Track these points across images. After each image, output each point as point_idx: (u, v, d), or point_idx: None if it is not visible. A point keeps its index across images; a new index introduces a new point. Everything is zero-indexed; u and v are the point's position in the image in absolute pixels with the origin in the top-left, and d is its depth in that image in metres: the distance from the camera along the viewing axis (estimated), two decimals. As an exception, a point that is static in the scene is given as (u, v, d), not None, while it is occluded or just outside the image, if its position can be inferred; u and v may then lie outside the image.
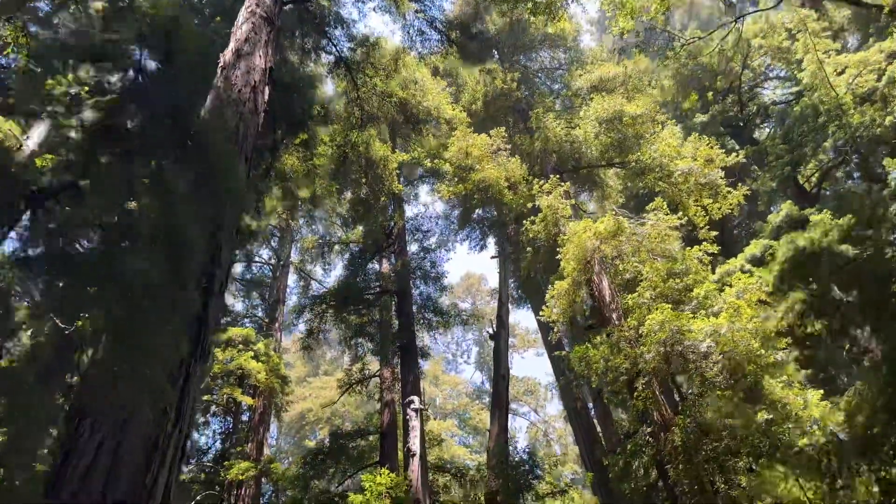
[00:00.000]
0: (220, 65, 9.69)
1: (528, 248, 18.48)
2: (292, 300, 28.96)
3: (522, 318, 74.11)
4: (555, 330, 15.53)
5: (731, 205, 17.34)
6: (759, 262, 18.42)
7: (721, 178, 17.33)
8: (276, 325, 26.01)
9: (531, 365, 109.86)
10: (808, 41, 19.70)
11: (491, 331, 20.67)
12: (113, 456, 4.48)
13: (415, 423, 14.60)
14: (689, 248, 14.82)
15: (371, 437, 18.73)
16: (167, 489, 4.77)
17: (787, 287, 15.62)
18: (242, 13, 10.90)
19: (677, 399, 13.55)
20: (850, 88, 19.25)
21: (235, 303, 28.61)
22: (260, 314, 27.55)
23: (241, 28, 10.54)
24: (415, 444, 14.14)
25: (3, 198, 4.76)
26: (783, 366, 11.33)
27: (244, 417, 22.80)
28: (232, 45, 10.07)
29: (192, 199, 5.40)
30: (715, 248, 15.08)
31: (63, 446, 4.67)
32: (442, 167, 19.65)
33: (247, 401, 20.58)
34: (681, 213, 15.80)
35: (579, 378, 15.83)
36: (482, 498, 15.15)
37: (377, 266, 20.83)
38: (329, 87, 19.59)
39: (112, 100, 4.67)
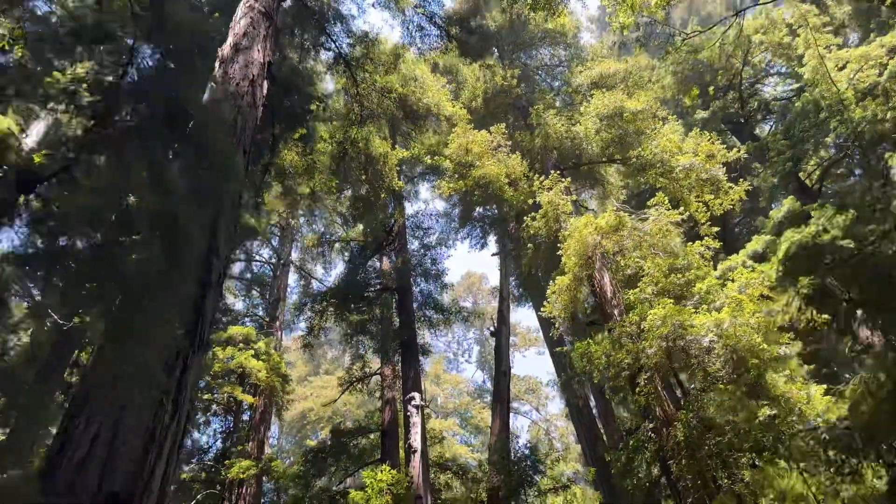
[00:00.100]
0: (218, 59, 9.67)
1: (529, 245, 18.41)
2: (293, 299, 28.92)
3: (523, 317, 74.19)
4: (556, 326, 15.46)
5: (732, 200, 17.27)
6: (760, 258, 18.36)
7: (722, 173, 17.26)
8: (277, 323, 25.97)
9: (532, 363, 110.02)
10: (810, 36, 19.61)
11: (492, 328, 20.61)
12: (109, 447, 4.43)
13: (416, 419, 14.53)
14: (690, 243, 14.76)
15: (372, 435, 18.67)
16: (165, 480, 4.72)
17: (789, 282, 15.57)
18: (241, 8, 10.86)
19: (679, 395, 13.48)
20: (851, 83, 19.16)
21: (236, 302, 28.62)
22: (260, 313, 27.48)
23: (240, 23, 10.52)
24: (416, 440, 14.07)
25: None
26: (786, 360, 11.25)
27: (245, 417, 22.74)
28: (230, 40, 10.04)
29: (189, 186, 5.36)
30: (716, 244, 15.02)
31: (59, 438, 4.62)
32: (442, 164, 19.59)
33: (247, 399, 20.53)
34: (682, 208, 15.73)
35: (581, 374, 15.76)
36: (484, 495, 15.08)
37: (378, 264, 20.77)
38: (329, 85, 19.59)
39: (110, 83, 4.60)
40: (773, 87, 27.27)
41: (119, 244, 6.71)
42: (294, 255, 30.32)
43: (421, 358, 18.79)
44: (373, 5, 15.43)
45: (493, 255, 26.25)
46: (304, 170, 14.03)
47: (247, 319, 26.25)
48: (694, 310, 12.40)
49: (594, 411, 22.67)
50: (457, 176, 19.11)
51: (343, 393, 20.18)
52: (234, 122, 8.11)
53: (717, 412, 11.12)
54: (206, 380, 20.31)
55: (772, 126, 25.85)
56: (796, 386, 10.91)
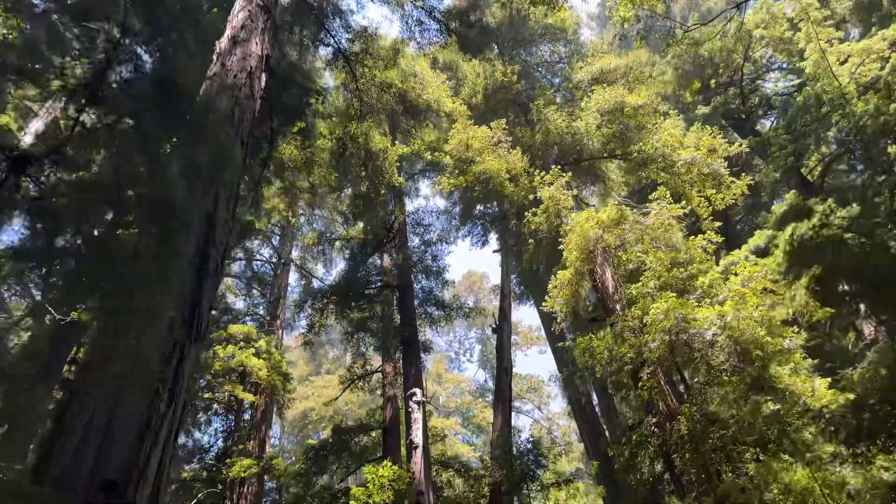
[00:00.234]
0: (215, 51, 9.61)
1: (530, 241, 18.35)
2: (294, 298, 28.84)
3: (525, 316, 74.21)
4: (558, 321, 15.38)
5: (734, 195, 17.18)
6: (763, 252, 18.27)
7: (724, 168, 17.17)
8: (278, 322, 25.91)
9: (534, 362, 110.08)
10: (811, 30, 19.52)
11: (494, 325, 20.52)
12: (103, 435, 4.36)
13: (417, 415, 14.45)
14: (693, 237, 14.68)
15: (374, 433, 18.58)
16: (161, 469, 4.64)
17: (793, 275, 15.48)
18: (239, 2, 10.81)
19: (682, 390, 13.39)
20: (853, 78, 19.06)
21: (236, 301, 28.56)
22: (261, 312, 27.41)
23: (238, 16, 10.47)
24: (417, 436, 13.99)
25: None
26: (790, 353, 11.15)
27: (246, 416, 22.67)
28: (228, 33, 9.99)
29: (185, 168, 5.29)
30: (718, 238, 14.94)
31: (53, 426, 4.54)
32: (442, 160, 19.51)
33: (248, 398, 20.46)
34: (684, 202, 15.64)
35: (583, 370, 15.67)
36: (486, 490, 14.99)
37: (378, 261, 20.69)
38: (328, 82, 19.51)
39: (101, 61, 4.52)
40: (774, 83, 27.18)
41: (114, 232, 6.65)
42: (294, 254, 30.27)
43: (422, 355, 18.70)
44: (372, 0, 15.36)
45: (495, 251, 26.19)
46: (303, 163, 13.95)
47: (247, 318, 26.17)
48: (697, 303, 12.30)
49: (596, 409, 22.60)
50: (457, 172, 19.03)
51: (344, 391, 20.10)
52: (231, 114, 8.04)
53: (720, 405, 11.02)
54: (207, 378, 20.26)
55: (773, 122, 25.74)
56: (800, 378, 10.81)
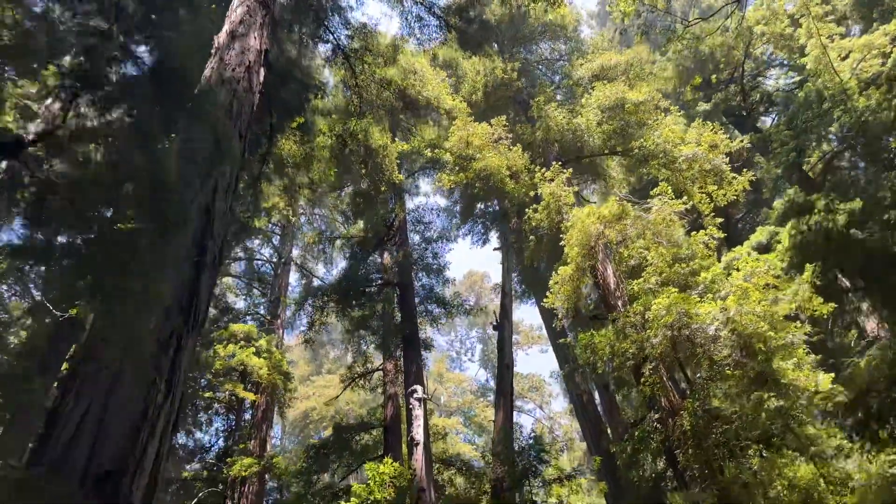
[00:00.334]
0: (214, 46, 9.57)
1: (531, 237, 18.28)
2: (294, 297, 28.78)
3: (526, 315, 74.16)
4: (559, 317, 15.32)
5: (735, 191, 17.11)
6: (765, 249, 18.20)
7: (726, 163, 17.10)
8: (278, 322, 25.84)
9: (535, 361, 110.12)
10: (812, 25, 19.45)
11: (495, 322, 20.44)
12: (98, 425, 4.30)
13: (418, 412, 14.38)
14: (694, 232, 14.60)
15: (374, 431, 18.50)
16: (158, 460, 4.58)
17: (794, 272, 15.41)
18: (237, -4, 10.76)
19: (684, 386, 13.32)
20: (854, 73, 18.99)
21: (237, 300, 28.50)
22: (262, 311, 27.35)
23: (236, 11, 10.44)
24: (418, 433, 13.92)
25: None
26: (793, 348, 11.07)
27: (247, 416, 22.61)
28: (226, 28, 9.96)
29: (181, 151, 5.24)
30: (720, 234, 14.86)
31: (48, 418, 4.48)
32: (442, 157, 19.44)
33: (249, 397, 20.38)
34: (685, 198, 15.57)
35: (584, 366, 15.60)
36: (487, 486, 14.91)
37: (379, 259, 20.63)
38: (328, 80, 19.43)
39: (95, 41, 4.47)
40: (775, 80, 27.11)
41: (112, 226, 6.59)
42: (295, 253, 30.24)
43: (423, 353, 18.62)
44: (371, -4, 15.32)
45: (495, 249, 26.14)
46: (302, 159, 13.87)
47: (248, 318, 26.12)
48: (699, 299, 12.23)
49: (598, 407, 22.52)
50: (457, 169, 18.97)
51: (345, 389, 20.03)
52: (229, 107, 8.00)
53: (723, 400, 10.96)
54: (208, 378, 20.20)
55: (774, 118, 25.66)
56: (804, 373, 10.74)
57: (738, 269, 13.33)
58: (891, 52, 18.17)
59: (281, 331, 26.02)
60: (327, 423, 37.76)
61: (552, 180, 16.86)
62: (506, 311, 20.66)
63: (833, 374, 11.63)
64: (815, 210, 17.27)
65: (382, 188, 17.68)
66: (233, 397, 21.02)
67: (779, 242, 17.19)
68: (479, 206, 24.82)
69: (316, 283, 28.48)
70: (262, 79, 9.86)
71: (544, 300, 15.16)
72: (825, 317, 13.97)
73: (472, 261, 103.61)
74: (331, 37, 14.77)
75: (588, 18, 39.25)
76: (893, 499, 9.74)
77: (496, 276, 51.35)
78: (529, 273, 23.60)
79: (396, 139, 19.51)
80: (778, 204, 19.69)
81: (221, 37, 9.70)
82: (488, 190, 19.15)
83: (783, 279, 14.28)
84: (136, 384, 4.67)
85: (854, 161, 22.76)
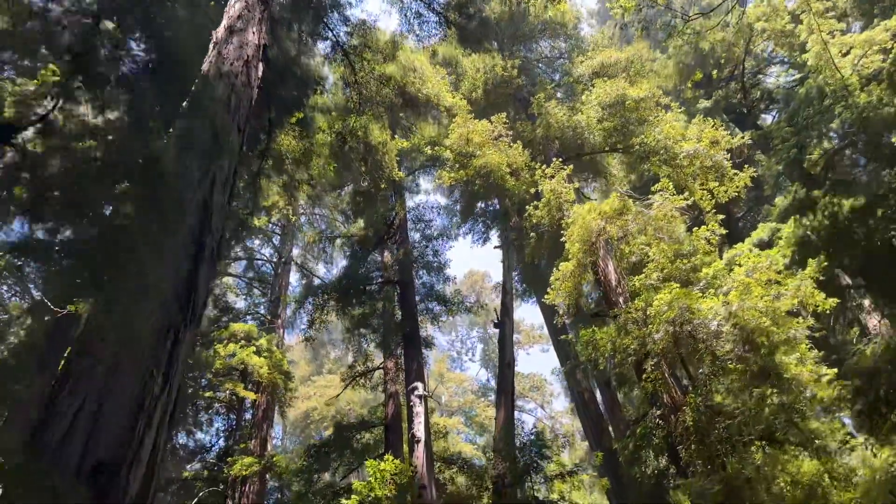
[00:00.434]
0: (212, 41, 9.54)
1: (532, 234, 18.22)
2: (294, 296, 28.75)
3: (527, 315, 74.13)
4: (560, 313, 15.25)
5: (737, 187, 17.03)
6: (766, 246, 18.12)
7: (727, 159, 17.04)
8: (279, 321, 25.80)
9: (537, 360, 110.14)
10: (812, 21, 19.37)
11: (496, 320, 20.39)
12: (93, 418, 4.25)
13: (419, 409, 14.32)
14: (696, 228, 14.53)
15: (375, 430, 18.45)
16: (155, 451, 4.53)
17: (796, 267, 15.33)
18: (235, -9, 10.72)
19: (686, 383, 13.25)
20: (855, 69, 18.92)
21: (237, 300, 28.46)
22: (262, 311, 27.32)
23: (234, 6, 10.42)
24: (419, 430, 13.86)
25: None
26: (796, 343, 11.01)
27: (248, 416, 22.56)
28: (224, 23, 9.94)
29: (179, 156, 5.18)
30: (721, 230, 14.78)
31: (43, 411, 4.43)
32: (442, 154, 19.38)
33: (249, 396, 20.32)
34: (687, 194, 15.49)
35: (586, 363, 15.54)
36: (489, 483, 14.84)
37: (379, 257, 20.59)
38: (329, 78, 19.38)
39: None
40: (775, 78, 27.03)
41: (110, 221, 6.54)
42: (295, 252, 30.21)
43: (424, 352, 18.57)
44: (370, -8, 15.28)
45: (496, 247, 26.10)
46: (301, 154, 13.81)
47: (248, 317, 26.08)
48: (701, 294, 12.16)
49: (600, 405, 22.46)
50: (457, 166, 18.91)
51: (346, 388, 19.98)
52: (227, 100, 7.95)
53: (726, 396, 10.89)
54: (209, 377, 20.16)
55: (775, 116, 25.59)
56: (807, 368, 10.68)
57: (739, 265, 13.25)
58: (892, 48, 18.09)
59: (281, 330, 25.98)
60: (328, 424, 37.70)
61: (553, 177, 16.80)
62: (507, 308, 20.61)
63: (836, 370, 11.56)
64: (817, 207, 17.22)
65: (382, 185, 17.64)
66: (233, 397, 20.97)
67: (780, 239, 17.12)
68: (479, 204, 24.75)
69: (316, 282, 28.45)
70: (260, 74, 9.81)
71: (545, 296, 15.08)
72: (828, 312, 13.88)
73: (473, 261, 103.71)
74: (330, 34, 14.75)
75: (588, 17, 39.20)
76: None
77: (497, 276, 51.31)
78: (530, 271, 23.55)
79: (396, 137, 19.46)
80: (779, 201, 19.64)
81: (220, 32, 9.67)
82: (488, 187, 19.08)
83: (785, 274, 14.22)
84: (133, 376, 4.62)
85: (855, 158, 22.70)
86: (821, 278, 14.50)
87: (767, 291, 11.83)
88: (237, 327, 21.21)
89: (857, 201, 16.53)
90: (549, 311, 21.80)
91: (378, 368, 19.64)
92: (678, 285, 12.27)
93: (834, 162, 22.08)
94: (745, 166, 17.59)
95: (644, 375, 12.23)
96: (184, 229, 5.86)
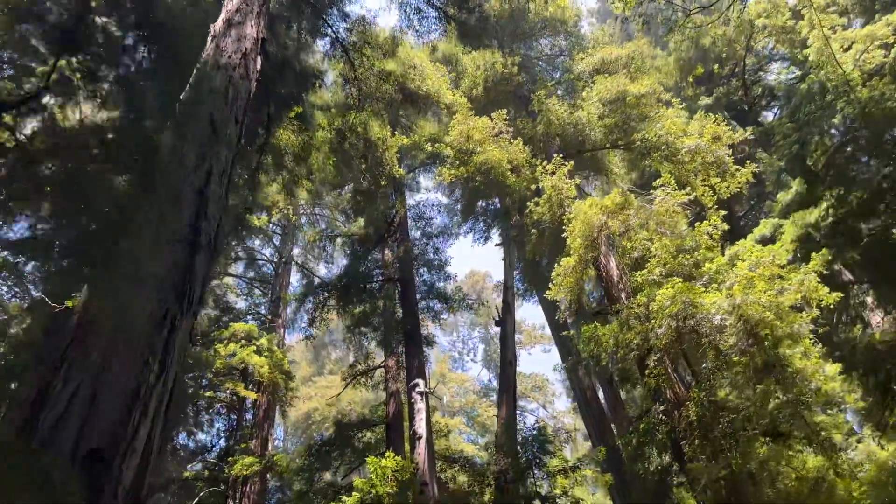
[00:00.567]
0: (210, 34, 9.48)
1: (533, 231, 18.13)
2: (295, 293, 28.70)
3: (528, 315, 74.03)
4: (562, 309, 15.15)
5: (739, 183, 16.94)
6: (769, 242, 18.00)
7: (728, 155, 16.95)
8: (280, 321, 25.73)
9: (538, 360, 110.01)
10: (813, 16, 19.29)
11: (497, 317, 20.30)
12: (88, 405, 4.16)
13: (420, 405, 14.23)
14: (698, 223, 14.44)
15: (377, 429, 18.35)
16: (150, 441, 4.44)
17: (800, 262, 15.23)
18: (234, -14, 10.65)
19: (689, 378, 13.16)
20: (857, 65, 18.83)
21: (238, 300, 28.41)
22: (263, 311, 27.25)
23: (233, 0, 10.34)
24: (421, 427, 13.77)
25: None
26: (800, 337, 10.90)
27: (248, 416, 22.48)
28: (223, 16, 9.90)
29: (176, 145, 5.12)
30: (724, 225, 14.68)
31: (36, 399, 4.34)
32: (442, 151, 19.29)
33: (250, 395, 20.24)
34: (688, 189, 15.40)
35: (588, 358, 15.43)
36: (491, 479, 14.74)
37: (380, 255, 20.51)
38: (328, 76, 19.33)
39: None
40: (776, 75, 26.94)
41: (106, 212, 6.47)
42: (295, 252, 30.17)
43: (425, 350, 18.47)
44: (370, -11, 15.22)
45: (497, 245, 26.04)
46: (301, 148, 13.74)
47: (249, 317, 26.00)
48: (704, 289, 12.06)
49: (602, 403, 22.36)
50: (458, 163, 18.82)
51: (347, 386, 19.89)
52: (225, 91, 7.89)
53: (730, 390, 10.79)
54: (209, 377, 20.08)
55: (776, 113, 25.49)
56: (811, 362, 10.57)
57: (742, 260, 13.15)
58: (893, 43, 18.01)
59: (282, 330, 25.91)
60: (329, 425, 37.57)
61: (554, 173, 16.71)
62: (508, 306, 20.54)
63: (840, 365, 11.47)
64: (819, 202, 17.13)
65: (383, 183, 17.55)
66: (234, 397, 20.90)
67: (783, 233, 17.02)
68: (479, 203, 24.69)
69: (317, 282, 28.42)
70: (258, 67, 9.74)
71: (547, 292, 14.98)
72: (831, 307, 13.78)
73: (474, 262, 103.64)
74: (329, 30, 14.68)
75: (588, 15, 39.17)
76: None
77: (498, 275, 51.21)
78: (531, 269, 23.47)
79: (396, 134, 19.40)
80: (781, 196, 19.52)
81: (218, 25, 9.62)
82: (489, 184, 18.98)
83: (788, 268, 14.12)
84: (129, 364, 4.53)
85: (857, 153, 22.57)
86: (824, 272, 14.43)
87: (771, 286, 11.74)
88: (238, 327, 21.12)
89: (859, 196, 16.43)
90: (550, 308, 21.71)
91: (379, 367, 19.55)
92: (680, 280, 12.18)
93: (836, 157, 21.99)
94: (748, 162, 17.50)
95: (647, 371, 12.13)
96: (180, 217, 5.79)
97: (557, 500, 12.93)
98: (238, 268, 29.06)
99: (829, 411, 10.19)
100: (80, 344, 4.57)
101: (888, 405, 9.99)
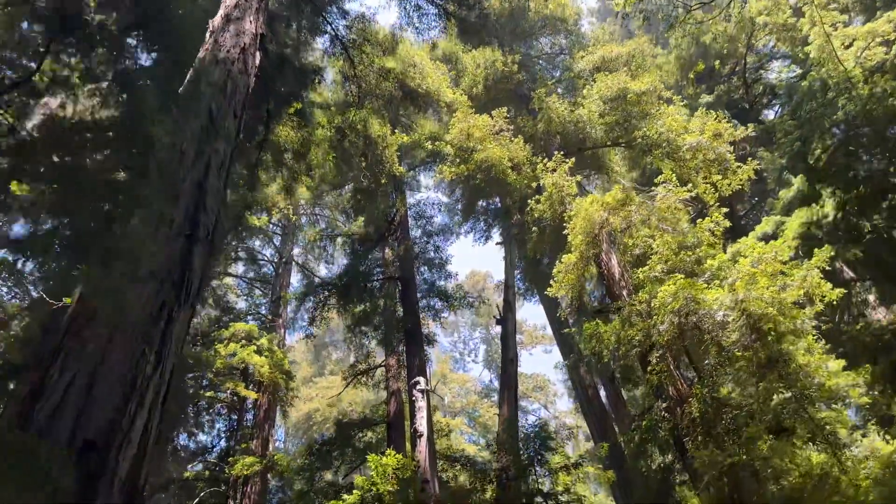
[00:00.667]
0: (209, 29, 9.45)
1: (534, 229, 18.07)
2: (295, 292, 28.67)
3: (529, 315, 74.04)
4: (563, 306, 15.10)
5: (740, 180, 16.88)
6: (771, 239, 17.94)
7: (730, 152, 16.89)
8: (280, 321, 25.70)
9: (539, 360, 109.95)
10: (814, 13, 19.25)
11: (498, 316, 20.25)
12: (84, 395, 4.11)
13: (421, 403, 14.16)
14: (700, 220, 14.38)
15: (378, 428, 18.29)
16: (147, 432, 4.38)
17: (802, 258, 15.17)
18: (233, -19, 10.62)
19: (691, 375, 13.08)
20: (858, 62, 18.77)
21: (238, 300, 28.38)
22: (263, 311, 27.21)
23: (232, -5, 10.30)
24: (422, 424, 13.70)
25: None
26: (803, 333, 10.83)
27: (249, 416, 22.42)
28: (221, 11, 9.88)
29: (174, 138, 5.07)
30: (725, 222, 14.62)
31: (32, 389, 4.29)
32: (443, 149, 19.24)
33: (251, 395, 20.17)
34: (690, 186, 15.34)
35: (590, 356, 15.37)
36: (492, 475, 14.67)
37: (380, 254, 20.46)
38: (327, 73, 19.28)
39: None
40: (777, 73, 26.88)
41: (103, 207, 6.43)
42: (296, 252, 30.14)
43: (426, 349, 18.40)
44: (369, -13, 15.19)
45: (498, 244, 25.99)
46: (300, 144, 13.69)
47: (249, 318, 25.96)
48: (706, 285, 12.00)
49: (604, 402, 22.28)
50: (458, 160, 18.77)
51: (347, 386, 19.82)
52: (224, 86, 7.85)
53: (733, 386, 10.72)
54: (209, 377, 20.02)
55: (777, 111, 25.43)
56: (815, 358, 10.50)
57: (745, 257, 13.09)
58: (895, 40, 17.95)
59: (283, 330, 25.88)
60: (330, 425, 37.49)
61: (554, 170, 16.66)
62: (509, 304, 20.48)
63: (844, 361, 11.39)
64: (821, 199, 17.07)
65: (383, 181, 17.49)
66: (234, 397, 20.85)
67: (785, 231, 16.96)
68: (480, 202, 24.65)
69: (317, 282, 28.39)
70: (257, 62, 9.71)
71: (548, 289, 14.91)
72: (834, 303, 13.71)
73: (475, 261, 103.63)
74: (328, 27, 14.65)
75: (588, 14, 39.18)
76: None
77: (499, 275, 51.11)
78: (532, 268, 23.41)
79: (396, 132, 19.36)
80: (783, 193, 19.46)
81: (216, 20, 9.59)
82: (490, 181, 18.91)
83: (791, 265, 14.06)
84: (125, 355, 4.48)
85: (859, 150, 22.50)
86: (827, 268, 14.37)
87: (773, 282, 11.67)
88: (238, 327, 21.07)
89: (861, 193, 16.37)
90: (551, 306, 21.66)
91: (380, 366, 19.49)
92: (682, 277, 12.11)
93: (837, 154, 21.91)
94: (749, 159, 17.45)
95: (649, 368, 12.06)
96: (178, 209, 5.75)
97: (559, 497, 12.88)
98: (238, 268, 29.05)
99: (834, 406, 10.10)
100: (76, 335, 4.52)
101: (894, 395, 9.91)
